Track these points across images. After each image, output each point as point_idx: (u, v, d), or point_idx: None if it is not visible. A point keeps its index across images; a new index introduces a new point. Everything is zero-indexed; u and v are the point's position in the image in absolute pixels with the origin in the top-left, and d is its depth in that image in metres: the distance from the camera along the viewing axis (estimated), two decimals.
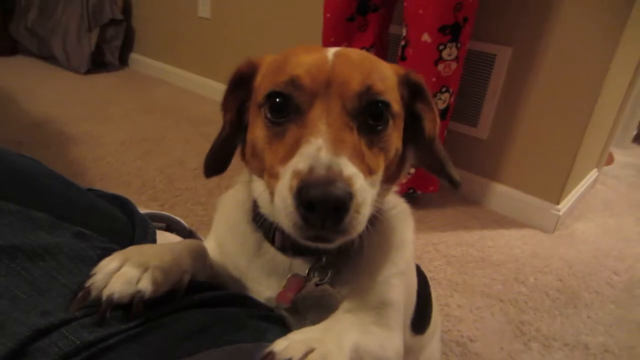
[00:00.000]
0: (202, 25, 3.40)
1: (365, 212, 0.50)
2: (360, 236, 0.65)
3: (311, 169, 0.48)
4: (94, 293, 0.52)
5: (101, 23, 3.58)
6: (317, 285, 0.66)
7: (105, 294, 0.52)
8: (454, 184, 0.70)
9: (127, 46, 3.97)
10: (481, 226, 2.06)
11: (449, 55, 1.81)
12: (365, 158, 0.56)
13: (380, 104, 0.59)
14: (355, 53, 0.63)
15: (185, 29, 3.53)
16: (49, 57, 3.79)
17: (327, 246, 0.57)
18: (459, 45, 1.81)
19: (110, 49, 3.77)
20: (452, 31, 1.77)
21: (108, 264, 0.55)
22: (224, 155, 0.73)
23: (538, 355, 1.35)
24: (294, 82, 0.57)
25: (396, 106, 0.61)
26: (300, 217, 0.47)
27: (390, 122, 0.60)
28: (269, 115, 0.59)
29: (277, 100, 0.58)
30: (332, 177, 0.47)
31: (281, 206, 0.49)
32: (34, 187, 0.75)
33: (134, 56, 4.00)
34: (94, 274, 0.54)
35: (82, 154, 2.27)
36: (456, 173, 0.70)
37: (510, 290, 1.63)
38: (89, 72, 3.64)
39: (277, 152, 0.57)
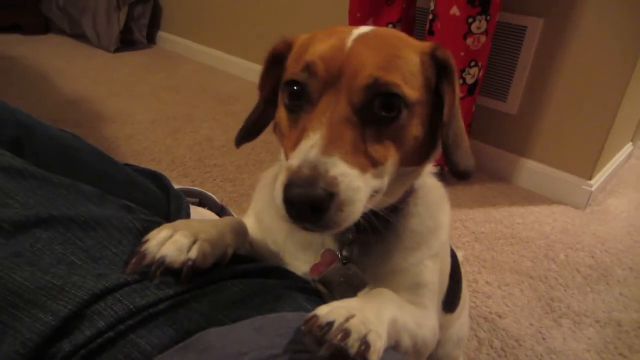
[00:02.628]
0: (228, 2, 3.39)
1: (353, 208, 0.52)
2: (386, 219, 0.66)
3: (299, 167, 0.50)
4: (148, 257, 0.56)
5: (129, 1, 3.61)
6: (343, 263, 0.68)
7: (158, 255, 0.56)
8: (455, 173, 0.65)
9: (154, 24, 4.00)
10: (510, 203, 2.04)
11: (478, 28, 1.77)
12: (369, 151, 0.56)
13: (389, 96, 0.57)
14: (376, 37, 0.62)
15: (212, 6, 3.53)
16: (80, 36, 3.84)
17: (320, 232, 0.63)
18: (488, 17, 1.77)
19: (138, 27, 3.80)
20: (481, 3, 1.72)
21: (160, 233, 0.58)
22: (257, 128, 0.75)
23: (569, 331, 1.34)
24: (308, 68, 0.59)
25: (413, 94, 0.59)
26: (286, 211, 0.51)
27: (405, 112, 0.59)
28: (287, 101, 0.62)
29: (295, 88, 0.60)
30: (313, 178, 0.49)
31: (276, 197, 0.52)
32: (77, 161, 0.78)
33: (161, 34, 4.02)
34: (147, 240, 0.57)
35: (113, 132, 2.32)
36: (464, 162, 0.65)
37: (540, 267, 1.62)
38: (118, 50, 3.69)
39: (291, 138, 0.59)
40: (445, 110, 0.63)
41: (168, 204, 0.91)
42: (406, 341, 0.61)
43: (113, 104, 2.69)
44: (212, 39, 3.63)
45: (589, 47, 1.88)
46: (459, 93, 0.65)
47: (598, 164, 2.00)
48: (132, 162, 1.99)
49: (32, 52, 3.44)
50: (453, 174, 0.65)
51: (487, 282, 1.52)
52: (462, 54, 1.81)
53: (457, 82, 0.65)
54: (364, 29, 0.63)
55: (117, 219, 0.64)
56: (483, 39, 1.81)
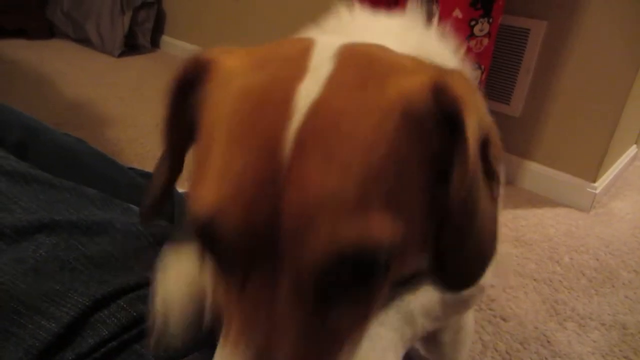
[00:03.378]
0: (231, 6, 3.40)
1: None
2: None
3: None
4: None
5: (133, 6, 3.62)
6: None
7: None
8: (445, 282, 0.43)
9: (158, 29, 4.01)
10: (514, 205, 2.03)
11: (481, 30, 1.77)
12: (336, 330, 0.36)
13: (364, 259, 0.34)
14: (337, 112, 0.33)
15: (215, 10, 3.54)
16: (84, 40, 3.86)
17: None
18: (490, 20, 1.76)
19: (142, 31, 3.82)
20: (483, 5, 1.72)
21: None
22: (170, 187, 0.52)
23: (574, 334, 1.33)
24: (213, 231, 0.34)
25: (403, 226, 0.35)
26: None
27: (391, 263, 0.36)
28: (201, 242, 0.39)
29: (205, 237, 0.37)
30: None
31: None
32: (80, 165, 0.78)
33: (165, 38, 4.04)
34: None
35: (117, 135, 2.33)
36: (467, 267, 0.43)
37: (544, 270, 1.61)
38: (122, 54, 3.70)
39: (221, 279, 0.39)
40: (452, 189, 0.38)
41: (172, 208, 0.91)
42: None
43: (117, 107, 2.70)
44: (215, 43, 3.62)
45: (592, 49, 1.88)
46: (475, 158, 0.37)
47: (602, 167, 1.99)
48: (135, 165, 1.99)
49: (37, 56, 3.45)
50: (442, 283, 0.43)
51: (491, 285, 1.51)
52: None
53: (474, 143, 0.37)
54: (317, 72, 0.35)
55: (120, 223, 0.63)
56: (486, 41, 1.80)
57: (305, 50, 0.38)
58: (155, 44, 4.05)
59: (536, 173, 2.14)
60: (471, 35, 1.78)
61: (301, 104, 0.33)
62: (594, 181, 2.00)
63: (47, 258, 0.56)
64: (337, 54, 0.37)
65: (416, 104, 0.36)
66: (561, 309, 1.43)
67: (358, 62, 0.37)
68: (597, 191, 2.00)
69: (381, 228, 0.33)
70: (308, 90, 0.34)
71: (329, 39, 0.41)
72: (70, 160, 0.79)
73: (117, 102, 2.78)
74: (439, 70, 0.39)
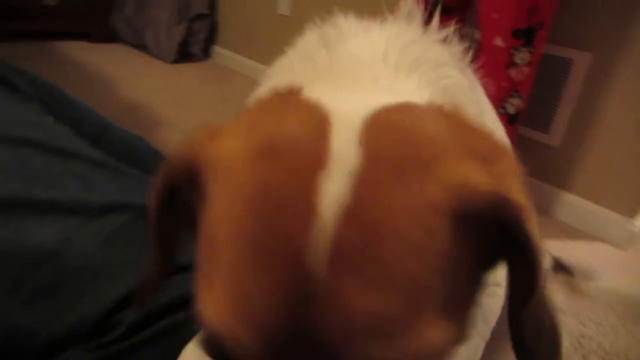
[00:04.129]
0: (281, 22, 3.52)
1: None
2: None
3: None
4: None
5: (189, 17, 3.80)
6: None
7: None
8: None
9: (210, 39, 4.18)
10: (547, 236, 2.00)
11: (522, 59, 1.79)
12: None
13: None
14: (375, 238, 0.28)
15: (265, 25, 3.67)
16: (141, 46, 4.07)
17: None
18: (532, 49, 1.78)
19: (196, 41, 3.99)
20: (525, 35, 1.74)
21: None
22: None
23: None
24: (228, 354, 0.30)
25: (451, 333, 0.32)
26: None
27: None
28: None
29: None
30: None
31: None
32: (141, 159, 0.91)
33: (216, 49, 4.20)
34: None
35: (166, 137, 2.45)
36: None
37: (572, 302, 1.59)
38: (175, 62, 3.88)
39: None
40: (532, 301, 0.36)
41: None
42: None
43: (167, 111, 2.83)
44: (264, 56, 3.76)
45: (637, 84, 1.85)
46: (543, 282, 0.36)
47: None
48: None
49: (98, 59, 3.66)
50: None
51: None
52: (505, 84, 1.82)
53: (540, 254, 0.35)
54: (342, 165, 0.29)
55: None
56: (526, 70, 1.82)
57: (319, 129, 0.31)
58: (207, 53, 4.22)
59: (572, 205, 2.11)
60: (512, 64, 1.79)
61: (328, 211, 0.27)
62: (633, 217, 1.96)
63: (119, 233, 0.67)
64: (363, 136, 0.30)
65: (468, 205, 0.31)
66: (586, 343, 1.41)
67: (390, 146, 0.30)
68: (636, 228, 1.96)
69: (435, 339, 0.29)
70: (334, 191, 0.28)
71: (344, 106, 0.33)
72: (134, 155, 0.91)
73: (168, 107, 2.92)
74: (487, 156, 0.34)
